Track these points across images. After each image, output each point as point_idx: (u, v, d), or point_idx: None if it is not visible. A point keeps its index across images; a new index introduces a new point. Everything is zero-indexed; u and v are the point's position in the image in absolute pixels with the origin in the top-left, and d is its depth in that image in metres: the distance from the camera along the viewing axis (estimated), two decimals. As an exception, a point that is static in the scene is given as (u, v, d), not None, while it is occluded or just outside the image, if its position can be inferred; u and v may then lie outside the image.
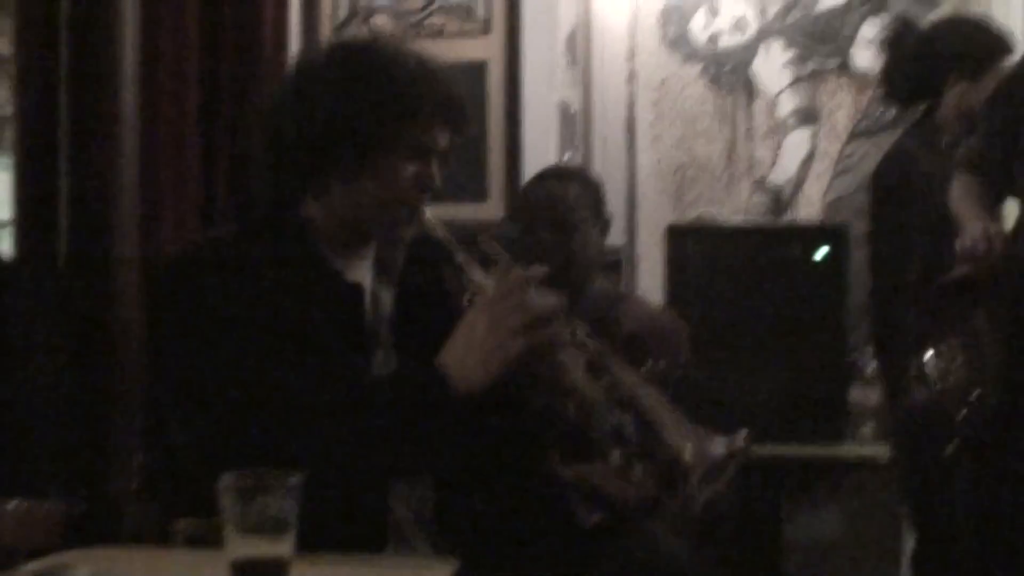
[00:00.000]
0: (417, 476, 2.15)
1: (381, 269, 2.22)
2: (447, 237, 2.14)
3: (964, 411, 2.86)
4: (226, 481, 1.49)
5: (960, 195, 3.06)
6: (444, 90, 2.14)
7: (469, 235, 2.21)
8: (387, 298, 2.21)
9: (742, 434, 1.96)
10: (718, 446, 1.94)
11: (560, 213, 3.00)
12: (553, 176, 3.18)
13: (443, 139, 2.15)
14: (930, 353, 2.95)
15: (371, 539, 2.05)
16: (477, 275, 2.12)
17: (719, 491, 1.95)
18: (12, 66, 3.39)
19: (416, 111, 2.09)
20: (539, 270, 2.05)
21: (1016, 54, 3.49)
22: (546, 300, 2.02)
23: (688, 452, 1.93)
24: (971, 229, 2.86)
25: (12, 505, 2.13)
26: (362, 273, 2.18)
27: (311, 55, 2.28)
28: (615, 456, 2.09)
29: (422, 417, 1.96)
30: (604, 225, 3.13)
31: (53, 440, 2.99)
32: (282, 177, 2.16)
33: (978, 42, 3.54)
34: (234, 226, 2.25)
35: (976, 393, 2.86)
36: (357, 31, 4.45)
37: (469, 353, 1.98)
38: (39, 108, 3.19)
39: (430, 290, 2.28)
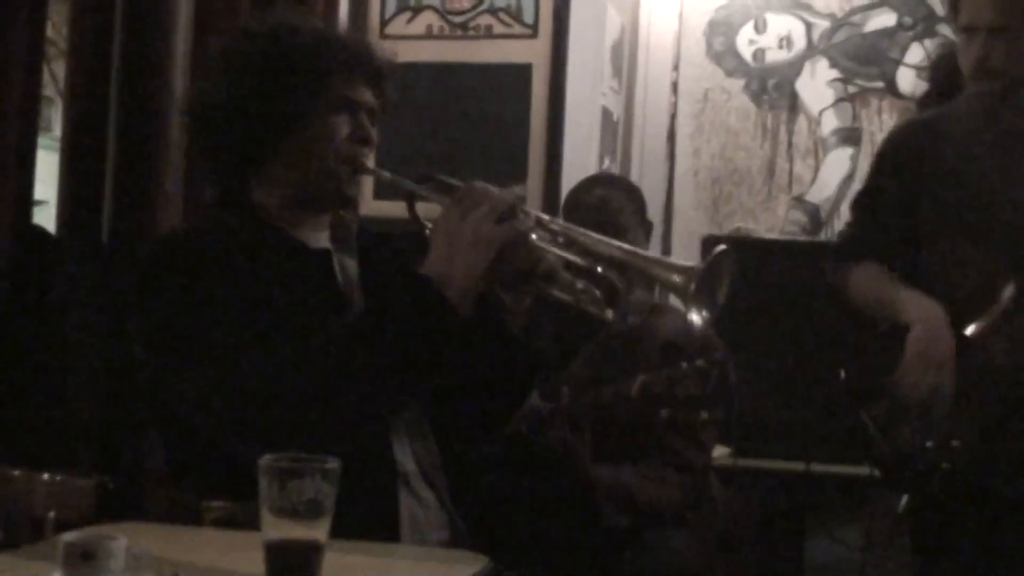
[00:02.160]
0: (424, 398, 2.17)
1: (337, 238, 2.26)
2: (398, 178, 2.19)
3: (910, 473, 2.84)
4: (264, 463, 1.50)
5: (872, 280, 3.01)
6: (357, 46, 2.21)
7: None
8: (351, 264, 2.25)
9: (720, 247, 2.06)
10: (699, 262, 2.05)
11: (610, 217, 3.03)
12: (600, 182, 3.23)
13: (365, 93, 2.21)
14: (883, 406, 2.93)
15: (380, 495, 2.07)
16: (436, 200, 2.15)
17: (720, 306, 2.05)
18: (60, 49, 3.42)
19: (331, 66, 2.15)
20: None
21: None
22: (505, 191, 2.07)
23: (676, 275, 2.04)
24: (921, 326, 2.83)
25: (45, 477, 2.15)
26: (322, 242, 2.24)
27: (225, 41, 2.31)
28: (610, 315, 2.13)
29: (425, 326, 1.97)
30: (647, 230, 3.17)
31: (88, 415, 3.02)
32: (223, 163, 2.22)
33: None
34: (198, 221, 2.30)
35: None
36: (403, 28, 4.46)
37: (451, 253, 2.00)
38: (89, 89, 3.22)
39: (389, 256, 2.31)
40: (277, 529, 1.48)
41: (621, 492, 2.79)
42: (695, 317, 1.96)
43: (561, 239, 2.12)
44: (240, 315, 1.99)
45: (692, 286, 1.99)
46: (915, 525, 2.94)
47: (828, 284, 3.17)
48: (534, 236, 2.08)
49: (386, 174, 2.20)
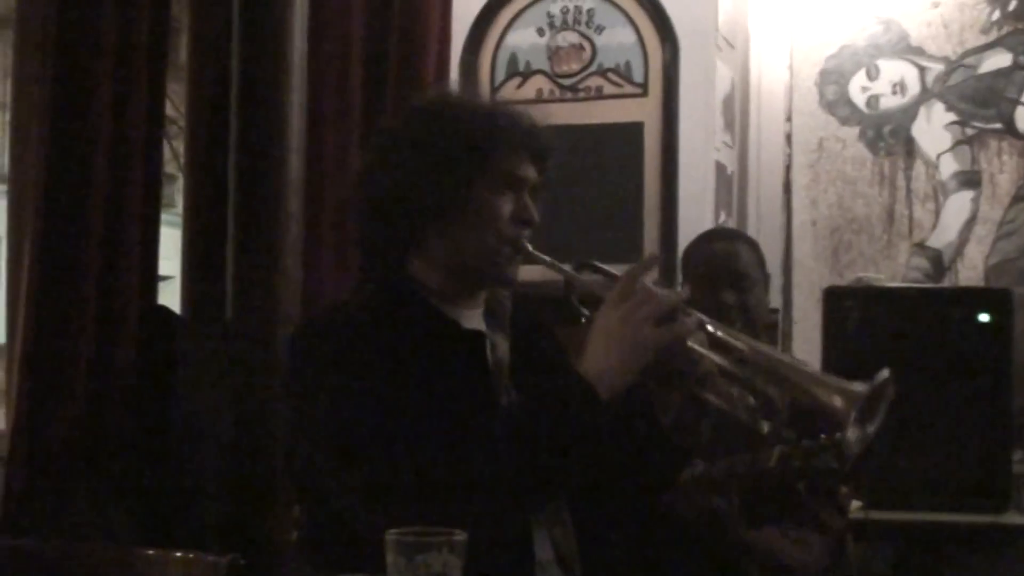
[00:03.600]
0: (569, 493, 2.15)
1: (492, 318, 2.24)
2: (557, 264, 2.15)
3: None
4: (391, 537, 1.50)
5: None
6: (523, 121, 2.17)
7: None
8: (503, 345, 2.23)
9: (884, 372, 1.96)
10: (862, 386, 1.96)
11: (738, 271, 3.01)
12: (722, 236, 3.22)
13: (530, 170, 2.17)
14: None
15: None
16: (591, 290, 2.13)
17: (874, 434, 1.98)
18: (181, 127, 3.50)
19: (496, 142, 2.12)
20: (654, 258, 2.07)
21: None
22: (669, 292, 2.04)
23: (837, 398, 1.95)
24: None
25: (178, 555, 2.18)
26: (476, 322, 2.21)
27: (390, 119, 2.32)
28: (764, 426, 2.09)
29: (577, 427, 1.95)
30: (767, 282, 3.14)
31: (216, 492, 3.05)
32: (385, 240, 2.20)
33: None
34: (353, 293, 2.30)
35: None
36: (513, 93, 4.50)
37: (608, 353, 1.98)
38: (208, 166, 3.28)
39: (542, 338, 2.30)
40: (406, 603, 1.48)
41: (772, 556, 2.75)
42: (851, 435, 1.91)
43: (721, 344, 2.08)
44: (392, 405, 1.98)
45: (853, 414, 1.93)
46: None
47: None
48: (693, 340, 2.05)
49: (546, 259, 2.15)
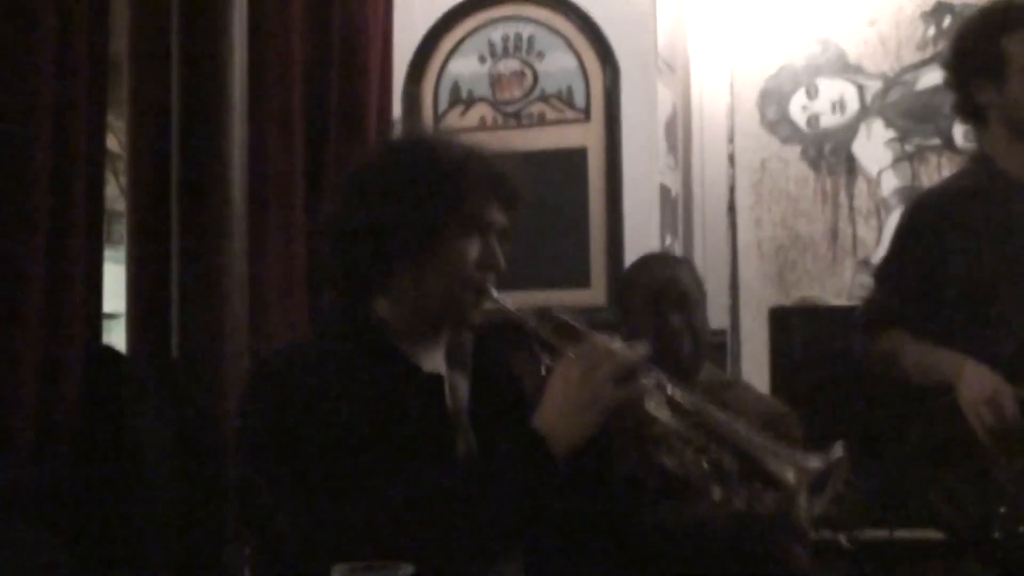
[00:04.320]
0: (519, 545, 2.16)
1: (453, 357, 2.24)
2: (518, 314, 2.16)
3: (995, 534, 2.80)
4: (339, 571, 1.50)
5: (905, 344, 3.04)
6: (494, 168, 2.17)
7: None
8: (463, 385, 2.24)
9: (838, 447, 1.96)
10: (816, 461, 1.96)
11: (682, 292, 3.02)
12: (659, 261, 3.24)
13: (499, 216, 2.18)
14: (936, 491, 2.90)
15: None
16: (553, 343, 2.13)
17: (826, 506, 1.96)
18: (125, 162, 3.47)
19: (466, 188, 2.13)
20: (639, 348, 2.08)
21: None
22: (631, 350, 2.04)
23: (790, 472, 1.95)
24: (970, 376, 2.83)
25: (128, 597, 2.16)
26: (437, 363, 2.21)
27: (363, 158, 2.33)
28: (716, 492, 2.09)
29: (526, 483, 1.97)
30: (705, 303, 3.15)
31: (167, 530, 3.03)
32: (349, 279, 2.20)
33: None
34: (314, 331, 2.29)
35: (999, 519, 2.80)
36: (457, 121, 4.51)
37: (564, 410, 2.00)
38: (150, 202, 3.26)
39: (501, 377, 2.30)
40: (356, 640, 1.48)
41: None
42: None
43: (678, 407, 2.09)
44: (347, 446, 1.98)
45: (803, 491, 1.94)
46: None
47: (855, 354, 3.19)
48: (650, 400, 2.07)
49: (508, 306, 2.16)
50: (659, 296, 3.01)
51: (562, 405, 2.00)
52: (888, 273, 3.17)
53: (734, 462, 2.05)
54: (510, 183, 2.20)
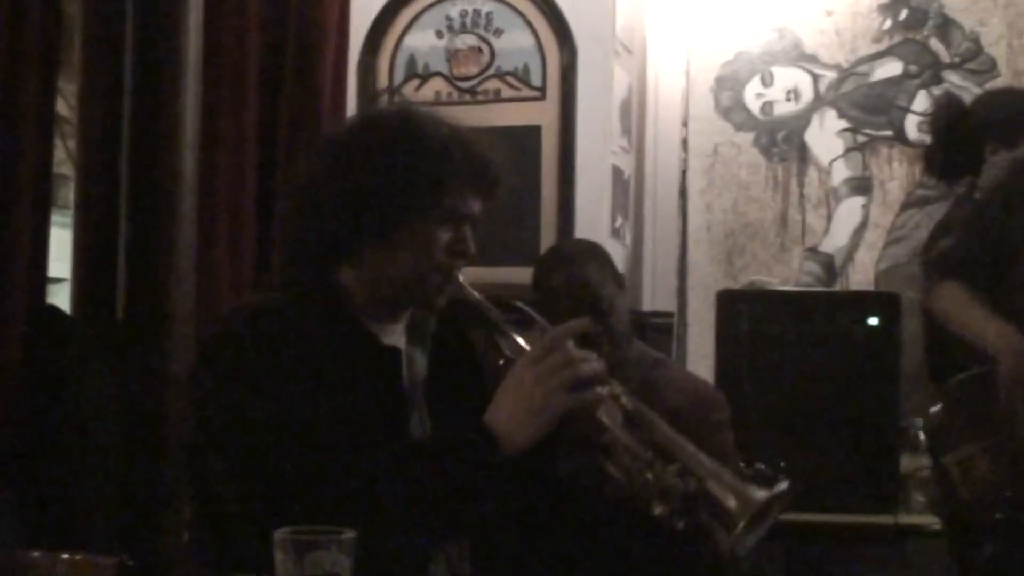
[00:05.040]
0: (461, 533, 2.16)
1: (414, 332, 2.23)
2: (482, 301, 2.15)
3: (997, 514, 2.84)
4: (280, 536, 1.50)
5: (960, 303, 3.05)
6: (476, 156, 2.14)
7: (519, 298, 2.23)
8: (421, 361, 2.22)
9: (783, 482, 1.97)
10: (760, 493, 1.96)
11: (594, 296, 2.97)
12: (568, 261, 3.12)
13: (475, 205, 2.15)
14: (950, 457, 2.94)
15: None
16: (513, 336, 2.13)
17: (762, 536, 1.98)
18: (75, 126, 3.45)
19: (449, 178, 2.10)
20: (581, 323, 2.07)
21: None
22: (590, 359, 2.04)
23: (732, 500, 1.95)
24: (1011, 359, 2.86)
25: (65, 557, 2.15)
26: (396, 337, 2.20)
27: (344, 126, 2.30)
28: (657, 508, 2.10)
29: (471, 477, 1.97)
30: (621, 284, 3.11)
31: (106, 493, 3.02)
32: (318, 245, 2.18)
33: (1011, 110, 3.55)
34: (274, 292, 2.27)
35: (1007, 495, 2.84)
36: (412, 95, 4.50)
37: (516, 411, 1.99)
38: (100, 167, 3.24)
39: (461, 355, 2.30)
40: (295, 602, 1.48)
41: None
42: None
43: (632, 421, 2.09)
44: (298, 413, 1.96)
45: (743, 522, 1.94)
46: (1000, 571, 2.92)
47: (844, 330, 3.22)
48: (604, 410, 2.06)
49: (474, 294, 2.14)
50: (572, 306, 2.94)
51: (514, 406, 1.99)
52: (970, 224, 3.17)
53: (680, 482, 2.04)
54: (491, 172, 2.17)
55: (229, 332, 2.12)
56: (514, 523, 2.22)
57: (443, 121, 2.19)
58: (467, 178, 2.13)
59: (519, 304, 2.21)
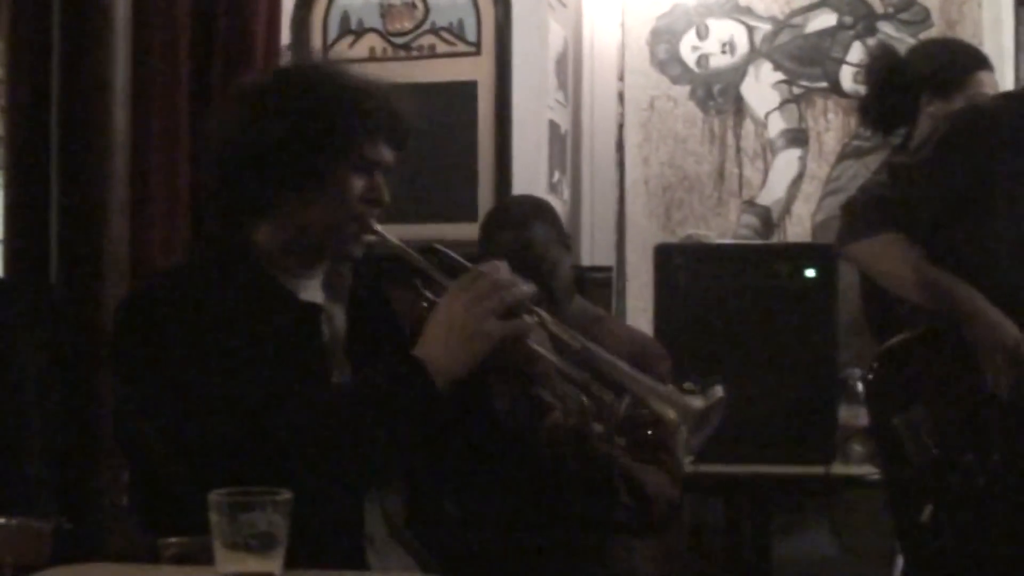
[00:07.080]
0: (398, 475, 2.16)
1: (331, 289, 2.23)
2: (405, 248, 2.15)
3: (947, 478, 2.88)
4: (214, 497, 1.49)
5: (909, 260, 3.05)
6: (388, 105, 2.16)
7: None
8: (339, 316, 2.22)
9: (718, 388, 2.01)
10: (698, 401, 2.00)
11: (538, 258, 2.95)
12: (513, 223, 3.04)
13: (388, 154, 2.17)
14: (920, 412, 2.96)
15: (348, 557, 2.05)
16: (440, 280, 2.14)
17: (704, 441, 2.01)
18: (3, 86, 3.40)
19: (361, 126, 2.11)
20: (504, 264, 2.08)
21: (986, 68, 3.54)
22: (515, 286, 2.05)
23: (671, 411, 1.98)
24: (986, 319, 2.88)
25: (1, 523, 2.13)
26: (313, 292, 2.19)
27: (256, 79, 2.29)
28: (595, 429, 2.11)
29: (405, 413, 1.96)
30: (567, 244, 3.09)
31: (42, 457, 2.99)
32: (232, 200, 2.17)
33: (945, 61, 3.57)
34: (191, 253, 2.27)
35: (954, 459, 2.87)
36: (346, 51, 4.46)
37: (447, 341, 1.99)
38: (29, 127, 3.19)
39: (379, 312, 2.29)
40: (231, 563, 1.48)
41: (632, 481, 2.69)
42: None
43: (561, 345, 2.09)
44: (220, 373, 1.96)
45: (684, 429, 1.98)
46: (939, 532, 2.95)
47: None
48: (533, 337, 2.06)
49: (392, 240, 2.14)
50: (515, 268, 2.93)
51: (445, 335, 2.00)
52: (918, 176, 3.14)
53: (616, 401, 2.06)
54: (403, 122, 2.18)
55: (144, 297, 2.12)
56: (451, 467, 2.23)
57: (352, 71, 2.20)
58: (379, 127, 2.14)
59: (437, 247, 2.21)
